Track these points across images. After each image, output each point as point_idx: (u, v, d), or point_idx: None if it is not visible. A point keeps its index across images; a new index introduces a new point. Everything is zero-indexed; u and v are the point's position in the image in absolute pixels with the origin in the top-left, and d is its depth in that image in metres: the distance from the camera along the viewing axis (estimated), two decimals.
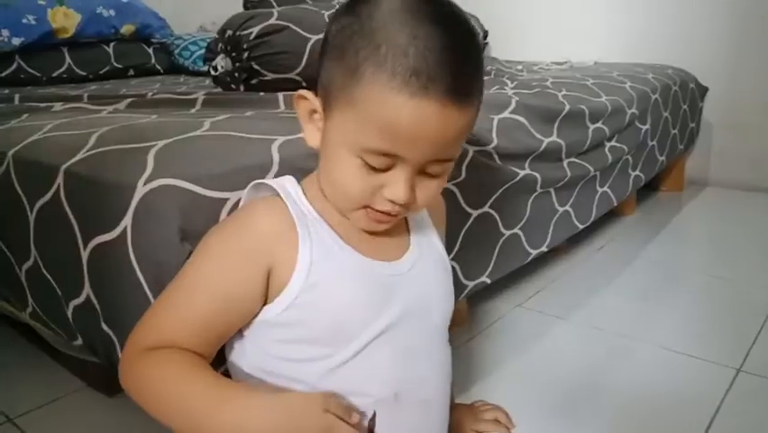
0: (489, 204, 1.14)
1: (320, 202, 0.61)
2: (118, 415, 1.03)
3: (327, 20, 1.48)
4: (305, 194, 0.61)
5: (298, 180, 0.64)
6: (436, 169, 0.56)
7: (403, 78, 0.49)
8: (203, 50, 2.20)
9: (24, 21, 1.87)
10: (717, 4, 2.30)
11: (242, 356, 0.62)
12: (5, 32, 1.82)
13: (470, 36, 0.55)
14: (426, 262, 0.66)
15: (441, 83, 0.50)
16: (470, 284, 1.14)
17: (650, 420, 0.99)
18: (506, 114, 1.19)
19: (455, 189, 1.04)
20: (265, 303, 0.59)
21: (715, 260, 1.73)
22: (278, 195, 0.60)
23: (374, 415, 0.58)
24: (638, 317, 1.36)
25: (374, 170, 0.54)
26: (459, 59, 0.52)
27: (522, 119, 1.22)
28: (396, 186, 0.55)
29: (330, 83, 0.55)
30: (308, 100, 0.59)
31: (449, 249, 1.04)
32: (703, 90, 2.30)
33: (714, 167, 2.43)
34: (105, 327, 0.77)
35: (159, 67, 2.32)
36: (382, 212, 0.57)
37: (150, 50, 2.31)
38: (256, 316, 0.59)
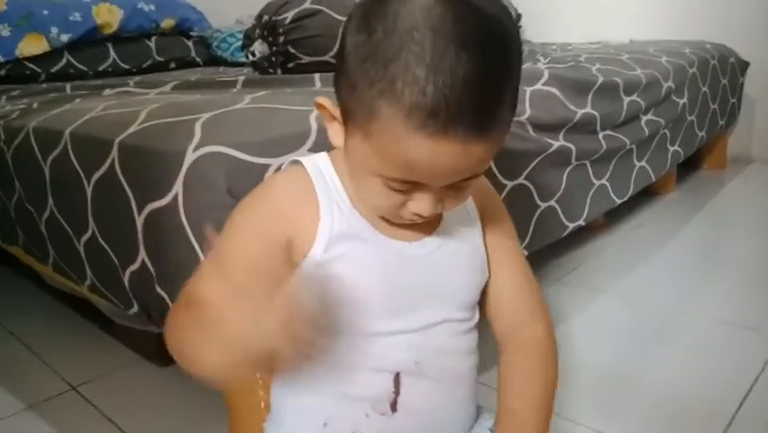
0: (523, 175, 1.15)
1: (346, 174, 0.59)
2: (171, 383, 1.09)
3: None
4: (333, 166, 0.60)
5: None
6: (464, 183, 0.53)
7: (420, 120, 0.45)
8: (240, 42, 2.25)
9: (71, 18, 1.95)
10: None
11: None
12: (54, 30, 1.91)
13: (506, 56, 0.48)
14: (452, 245, 0.63)
15: (461, 123, 0.45)
16: None
17: (692, 385, 0.99)
18: (538, 85, 1.20)
19: None
20: None
21: (756, 235, 1.70)
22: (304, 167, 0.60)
23: (398, 375, 0.60)
24: (678, 289, 1.36)
25: (397, 190, 0.52)
26: (486, 93, 0.46)
27: (555, 90, 1.22)
28: (420, 203, 0.53)
29: (345, 106, 0.52)
30: (327, 109, 0.56)
31: None
32: (744, 65, 2.25)
33: (757, 143, 2.38)
34: (158, 289, 0.82)
35: (198, 59, 2.38)
36: (411, 219, 0.56)
37: (190, 44, 2.38)
38: None
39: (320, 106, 0.57)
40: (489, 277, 0.67)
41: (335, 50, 1.38)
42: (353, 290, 0.58)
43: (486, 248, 0.66)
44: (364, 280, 0.58)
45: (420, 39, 0.45)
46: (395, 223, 0.59)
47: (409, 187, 0.52)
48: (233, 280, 0.56)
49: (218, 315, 0.50)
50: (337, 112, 0.55)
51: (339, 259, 0.57)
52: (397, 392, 0.60)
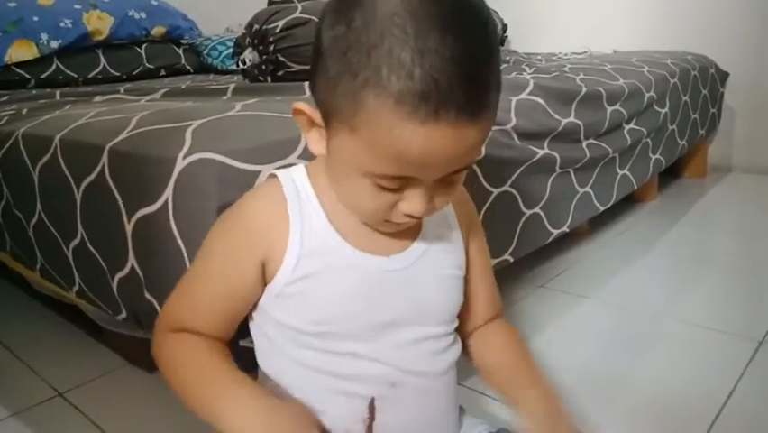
0: (509, 183, 1.17)
1: (323, 187, 0.58)
2: (159, 389, 1.09)
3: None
4: (310, 179, 0.59)
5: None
6: (455, 175, 0.52)
7: (411, 105, 0.44)
8: (230, 50, 2.27)
9: (62, 24, 1.96)
10: None
11: (257, 336, 0.64)
12: (44, 36, 1.91)
13: (486, 36, 0.48)
14: (433, 257, 0.62)
15: (453, 105, 0.44)
16: (493, 262, 1.18)
17: (672, 390, 1.01)
18: (524, 95, 1.23)
19: (475, 167, 1.08)
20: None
21: (738, 241, 1.74)
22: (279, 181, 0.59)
23: (372, 400, 0.59)
24: (661, 294, 1.38)
25: (387, 189, 0.51)
26: (473, 73, 0.45)
27: (540, 100, 1.25)
28: (412, 201, 0.51)
29: (326, 104, 0.50)
30: (306, 114, 0.54)
31: None
32: (724, 75, 2.30)
33: (737, 152, 2.43)
34: (147, 295, 0.82)
35: (188, 67, 2.39)
36: (401, 222, 0.55)
37: (180, 51, 2.39)
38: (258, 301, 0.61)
39: (298, 112, 0.55)
40: (467, 281, 0.67)
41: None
42: (326, 311, 0.57)
43: (467, 254, 0.67)
44: (338, 300, 0.57)
45: (402, 23, 0.44)
46: (380, 230, 0.58)
47: (400, 184, 0.50)
48: (207, 299, 0.59)
49: (207, 399, 0.56)
50: (317, 115, 0.53)
51: (310, 278, 0.57)
52: (372, 418, 0.59)
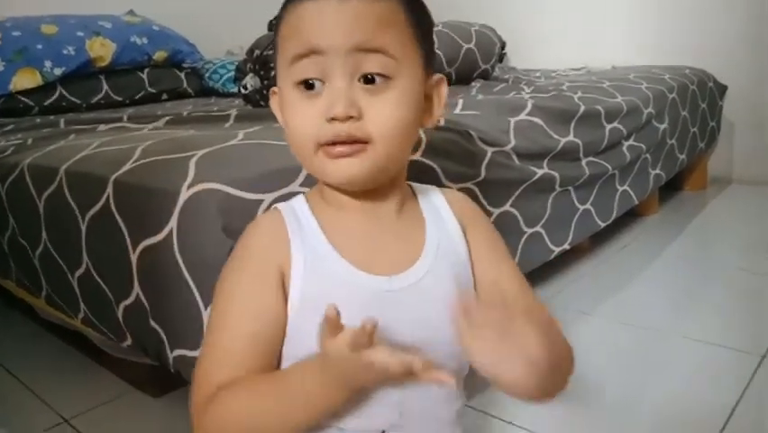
0: (509, 203, 1.18)
1: (321, 209, 0.60)
2: (165, 415, 1.09)
3: None
4: (308, 203, 0.61)
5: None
6: (371, 65, 0.54)
7: None
8: (231, 73, 2.29)
9: (65, 52, 1.98)
10: (734, 3, 2.33)
11: None
12: (48, 63, 1.94)
13: None
14: (442, 266, 0.60)
15: None
16: None
17: (676, 405, 1.01)
18: (522, 116, 1.24)
19: (475, 188, 1.09)
20: None
21: (739, 253, 1.73)
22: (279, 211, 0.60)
23: None
24: (663, 310, 1.39)
25: (308, 87, 0.54)
26: None
27: (538, 120, 1.26)
28: (331, 100, 0.53)
29: (275, 67, 0.60)
30: (277, 93, 0.61)
31: None
32: (722, 89, 2.31)
33: (737, 164, 2.44)
34: (153, 323, 0.83)
35: (190, 90, 2.41)
36: (334, 142, 0.54)
37: (182, 75, 2.41)
38: None
39: (274, 93, 0.62)
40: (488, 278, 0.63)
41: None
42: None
43: (472, 261, 0.64)
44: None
45: None
46: (328, 173, 0.56)
47: (314, 69, 0.53)
48: (238, 361, 0.55)
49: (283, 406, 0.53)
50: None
51: (312, 300, 0.55)
52: None
